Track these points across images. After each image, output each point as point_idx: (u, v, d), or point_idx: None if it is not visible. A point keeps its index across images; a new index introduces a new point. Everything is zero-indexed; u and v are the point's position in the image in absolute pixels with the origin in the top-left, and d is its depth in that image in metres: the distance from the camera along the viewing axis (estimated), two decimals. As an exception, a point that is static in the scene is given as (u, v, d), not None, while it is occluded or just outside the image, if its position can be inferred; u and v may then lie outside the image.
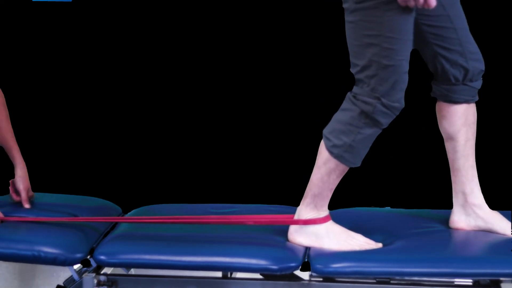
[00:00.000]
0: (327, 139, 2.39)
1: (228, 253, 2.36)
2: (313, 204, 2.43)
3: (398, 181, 3.57)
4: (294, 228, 2.46)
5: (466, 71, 2.44)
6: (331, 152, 2.38)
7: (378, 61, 2.31)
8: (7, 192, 2.89)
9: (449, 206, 2.84)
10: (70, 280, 2.48)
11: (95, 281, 2.40)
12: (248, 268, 2.35)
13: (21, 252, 2.38)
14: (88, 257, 2.44)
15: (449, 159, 2.55)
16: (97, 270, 2.45)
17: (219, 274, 2.45)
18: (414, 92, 3.41)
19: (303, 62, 3.58)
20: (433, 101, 2.66)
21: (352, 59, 2.38)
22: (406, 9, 2.29)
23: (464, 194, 2.53)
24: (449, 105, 2.50)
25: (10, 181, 2.74)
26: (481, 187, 3.42)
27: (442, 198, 3.48)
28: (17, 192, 2.74)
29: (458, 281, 2.39)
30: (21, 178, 2.74)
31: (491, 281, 2.33)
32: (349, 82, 2.43)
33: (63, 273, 2.62)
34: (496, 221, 2.51)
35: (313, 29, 3.52)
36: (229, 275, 2.46)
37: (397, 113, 2.37)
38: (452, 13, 2.42)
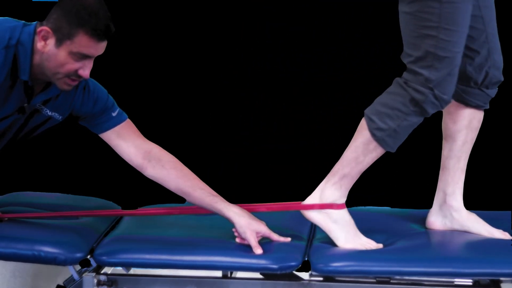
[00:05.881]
0: (371, 120, 2.37)
1: (228, 252, 2.36)
2: (339, 184, 2.41)
3: (398, 181, 3.56)
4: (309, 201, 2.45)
5: (486, 76, 2.44)
6: (373, 134, 2.36)
7: (434, 53, 2.30)
8: (7, 192, 2.90)
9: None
10: (70, 280, 2.48)
11: (95, 280, 2.40)
12: (248, 268, 2.35)
13: (21, 252, 2.38)
14: (88, 256, 2.44)
15: (442, 157, 2.55)
16: (97, 270, 2.45)
17: (219, 273, 2.45)
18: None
19: (302, 61, 3.58)
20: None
21: (406, 49, 2.36)
22: (465, 1, 2.29)
23: (445, 194, 2.53)
24: (458, 105, 2.50)
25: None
26: (481, 187, 3.42)
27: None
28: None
29: (458, 281, 2.39)
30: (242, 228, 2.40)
31: (491, 281, 2.33)
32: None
33: (63, 273, 2.62)
34: (471, 224, 2.52)
35: (314, 28, 3.53)
36: (229, 275, 2.46)
37: (444, 106, 2.36)
38: (486, 16, 2.41)
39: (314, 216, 2.44)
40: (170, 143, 2.64)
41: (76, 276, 2.44)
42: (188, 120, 3.68)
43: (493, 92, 2.49)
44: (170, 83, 3.67)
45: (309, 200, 2.45)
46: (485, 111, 2.54)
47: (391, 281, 2.34)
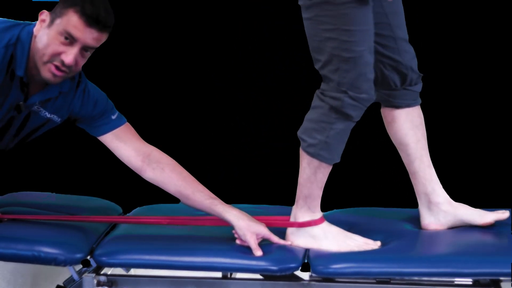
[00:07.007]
0: (302, 140, 2.40)
1: (228, 253, 2.36)
2: (306, 206, 2.43)
3: (396, 181, 3.56)
4: (291, 230, 2.46)
5: (405, 78, 2.46)
6: (307, 152, 2.38)
7: (339, 55, 2.31)
8: (7, 192, 2.90)
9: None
10: (70, 280, 2.48)
11: (95, 281, 2.41)
12: (248, 269, 2.35)
13: (21, 252, 2.38)
14: (88, 257, 2.44)
15: (405, 164, 2.55)
16: (97, 270, 2.45)
17: (219, 274, 2.45)
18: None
19: (300, 61, 3.57)
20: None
21: (314, 55, 2.38)
22: (361, 0, 2.29)
23: (426, 194, 2.53)
24: (392, 110, 2.51)
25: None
26: (480, 186, 3.42)
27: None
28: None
29: (458, 280, 2.39)
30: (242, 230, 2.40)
31: (491, 280, 2.33)
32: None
33: (63, 273, 2.62)
34: (463, 211, 2.52)
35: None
36: (229, 276, 2.46)
37: (367, 104, 2.37)
38: (394, 23, 2.43)
39: (301, 242, 2.44)
40: (169, 146, 2.64)
41: (76, 276, 2.44)
42: (188, 123, 3.68)
43: (418, 87, 2.51)
44: (168, 86, 3.68)
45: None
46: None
47: (391, 281, 2.34)
